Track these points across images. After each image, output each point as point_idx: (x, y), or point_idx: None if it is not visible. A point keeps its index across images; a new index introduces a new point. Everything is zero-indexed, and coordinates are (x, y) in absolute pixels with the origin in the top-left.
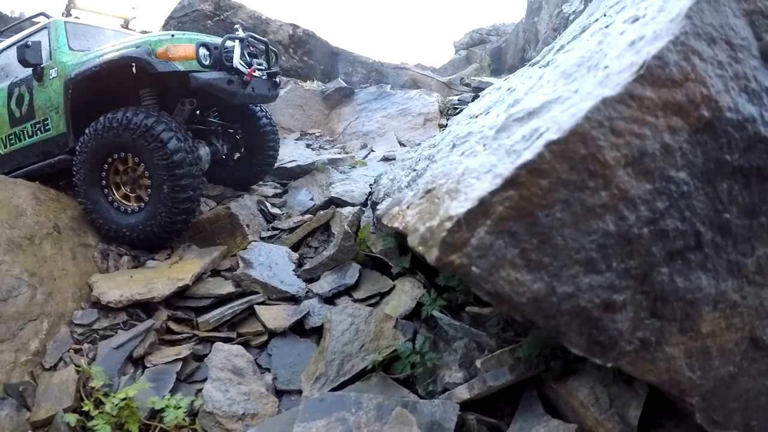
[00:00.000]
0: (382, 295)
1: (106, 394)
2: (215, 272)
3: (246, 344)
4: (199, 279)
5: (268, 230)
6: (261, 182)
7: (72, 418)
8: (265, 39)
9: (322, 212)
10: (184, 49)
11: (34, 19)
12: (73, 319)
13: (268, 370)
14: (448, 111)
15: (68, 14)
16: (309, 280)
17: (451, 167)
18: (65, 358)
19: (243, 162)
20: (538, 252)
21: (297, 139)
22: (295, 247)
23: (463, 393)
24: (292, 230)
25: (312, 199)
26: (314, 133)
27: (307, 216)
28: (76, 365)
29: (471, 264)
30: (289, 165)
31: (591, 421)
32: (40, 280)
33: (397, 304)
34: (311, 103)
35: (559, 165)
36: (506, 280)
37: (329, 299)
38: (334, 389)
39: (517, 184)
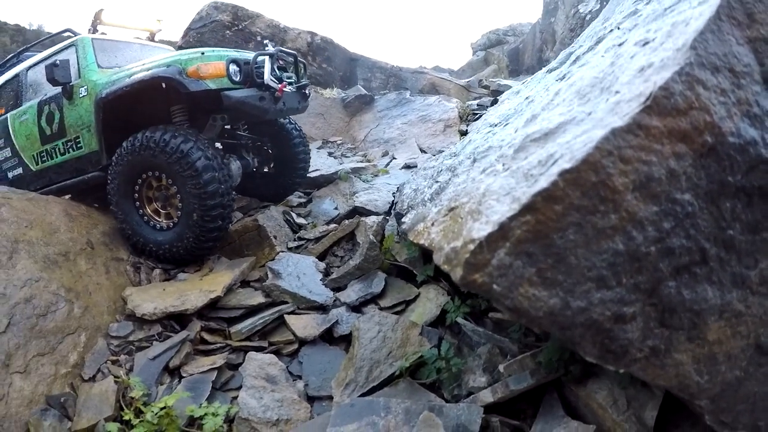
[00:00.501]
0: (408, 303)
1: (145, 404)
2: (245, 283)
3: (277, 353)
4: (229, 290)
5: (295, 240)
6: None
7: (114, 427)
8: (293, 51)
9: (347, 222)
10: (215, 66)
11: (61, 35)
12: (109, 332)
13: (300, 377)
14: (468, 116)
15: (95, 30)
16: (336, 289)
17: (473, 186)
18: (103, 369)
19: (274, 175)
20: (553, 270)
21: (319, 148)
22: (321, 257)
23: (486, 397)
24: (318, 240)
25: (336, 208)
26: (336, 141)
27: (332, 225)
28: (114, 376)
29: (492, 282)
30: (312, 174)
31: (609, 422)
32: (77, 295)
33: (422, 312)
34: (332, 111)
35: (571, 191)
36: (524, 297)
37: (356, 307)
38: (363, 395)
39: (534, 209)
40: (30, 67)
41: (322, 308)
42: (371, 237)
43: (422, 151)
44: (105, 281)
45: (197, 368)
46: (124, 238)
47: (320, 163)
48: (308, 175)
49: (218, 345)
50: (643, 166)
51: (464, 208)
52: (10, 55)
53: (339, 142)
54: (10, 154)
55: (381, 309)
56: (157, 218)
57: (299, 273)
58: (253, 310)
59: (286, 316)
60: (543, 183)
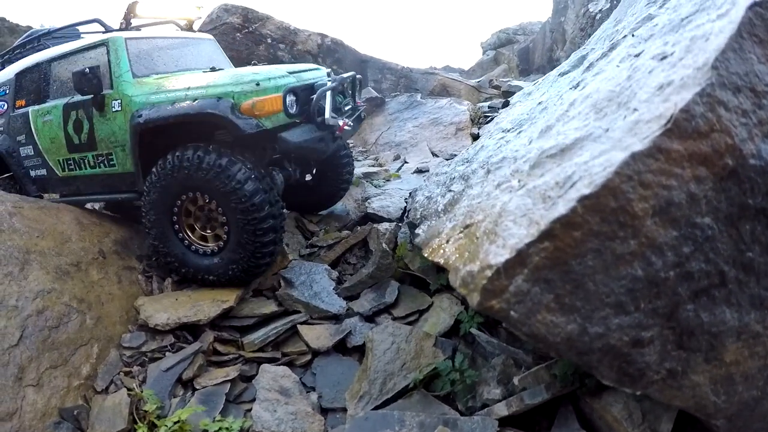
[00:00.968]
0: (421, 313)
1: (159, 417)
2: (257, 292)
3: (290, 363)
4: (242, 300)
5: (307, 248)
6: None
7: None
8: (352, 73)
9: (359, 228)
10: (271, 102)
11: (88, 26)
12: (121, 343)
13: (313, 388)
14: (479, 119)
15: (127, 25)
16: (348, 298)
17: (488, 202)
18: (116, 380)
19: (316, 184)
20: (571, 297)
21: None
22: (333, 264)
23: (501, 410)
24: (330, 247)
25: (348, 214)
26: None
27: (345, 232)
28: (128, 388)
29: (510, 309)
30: None
31: None
32: (89, 306)
33: (435, 322)
34: None
35: (591, 217)
36: (542, 323)
37: (369, 317)
38: (377, 407)
39: (552, 236)
40: (54, 59)
41: (335, 318)
42: (384, 245)
43: (434, 154)
44: (117, 291)
45: (210, 380)
46: (133, 248)
47: None
48: None
49: (231, 356)
50: (663, 191)
51: (480, 226)
52: (27, 37)
53: (350, 145)
54: (33, 153)
55: (394, 319)
56: (204, 244)
57: (312, 281)
58: (265, 320)
59: (299, 326)
60: (561, 209)
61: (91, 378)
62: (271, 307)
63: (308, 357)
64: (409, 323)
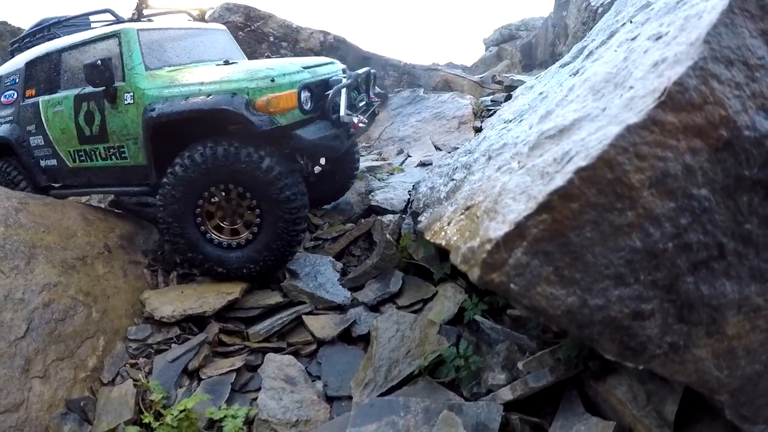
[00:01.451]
0: (425, 301)
1: (165, 407)
2: (261, 283)
3: (296, 353)
4: (247, 291)
5: (311, 240)
6: None
7: (134, 430)
8: (367, 69)
9: (363, 221)
10: (286, 98)
11: (99, 16)
12: (127, 335)
13: (319, 377)
14: (482, 113)
15: (139, 16)
16: (353, 288)
17: (489, 184)
18: (122, 372)
19: (326, 177)
20: (570, 269)
21: None
22: (338, 256)
23: (506, 394)
24: (335, 239)
25: (352, 207)
26: None
27: (349, 225)
28: (134, 379)
29: (510, 282)
30: None
31: (629, 418)
32: (95, 299)
33: (440, 310)
34: None
35: (588, 189)
36: (542, 296)
37: (374, 307)
38: (382, 394)
39: (550, 208)
40: (66, 49)
41: (340, 308)
42: (388, 236)
43: (437, 148)
44: (123, 285)
45: (216, 370)
46: (138, 243)
47: None
48: None
49: (236, 347)
50: (659, 162)
51: (480, 206)
52: (38, 26)
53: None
54: (43, 143)
55: (399, 308)
56: (227, 237)
57: (317, 273)
58: (270, 311)
59: (304, 316)
60: (559, 181)
61: (98, 370)
62: (275, 299)
63: (313, 347)
64: (414, 312)
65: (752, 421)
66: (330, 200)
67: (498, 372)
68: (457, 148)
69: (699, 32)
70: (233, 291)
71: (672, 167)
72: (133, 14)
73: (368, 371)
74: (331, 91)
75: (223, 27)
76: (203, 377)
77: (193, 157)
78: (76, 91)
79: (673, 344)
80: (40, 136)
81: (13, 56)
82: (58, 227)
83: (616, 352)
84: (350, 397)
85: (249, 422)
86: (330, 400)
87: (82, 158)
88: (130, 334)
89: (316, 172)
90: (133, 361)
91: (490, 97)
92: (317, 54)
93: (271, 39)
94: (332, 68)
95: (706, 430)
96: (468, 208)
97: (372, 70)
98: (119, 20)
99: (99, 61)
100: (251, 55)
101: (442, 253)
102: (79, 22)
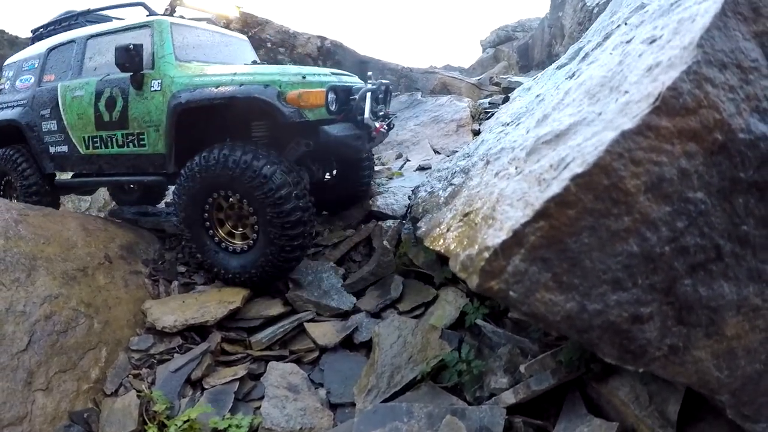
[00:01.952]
0: (426, 306)
1: (168, 417)
2: (262, 292)
3: (298, 361)
4: (248, 300)
5: (312, 247)
6: None
7: None
8: (387, 81)
9: (363, 226)
10: (316, 96)
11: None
12: (130, 346)
13: (322, 384)
14: (480, 115)
15: (172, 12)
16: (353, 295)
17: (486, 190)
18: (125, 383)
19: (336, 184)
20: (568, 275)
21: None
22: (338, 262)
23: (509, 398)
24: (335, 246)
25: (352, 213)
26: None
27: (349, 231)
28: (137, 390)
29: (508, 289)
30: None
31: (632, 419)
32: (96, 310)
33: (441, 315)
34: None
35: (584, 195)
36: (541, 302)
37: (375, 313)
38: (385, 400)
39: (547, 215)
40: (92, 37)
41: (342, 315)
42: (385, 243)
43: (436, 152)
44: (124, 295)
45: (219, 380)
46: (138, 253)
47: None
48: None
49: (239, 355)
50: (655, 167)
51: (479, 213)
52: (65, 14)
53: None
54: (56, 129)
55: (400, 313)
56: (234, 242)
57: (320, 281)
58: (272, 319)
59: (305, 324)
60: (555, 188)
61: (101, 381)
62: (277, 308)
63: (315, 354)
64: (415, 317)
65: (754, 420)
66: (340, 208)
67: (500, 375)
68: (456, 151)
69: (692, 36)
70: (234, 300)
71: (667, 171)
72: (166, 10)
73: (371, 377)
74: (357, 94)
75: (246, 38)
76: (206, 387)
77: (190, 167)
78: (99, 77)
79: (673, 346)
80: (54, 121)
81: (33, 43)
82: (59, 238)
83: (616, 355)
84: (353, 404)
85: (253, 431)
86: (333, 407)
87: (96, 144)
88: (133, 345)
89: (327, 178)
90: (136, 371)
91: (488, 100)
92: (314, 59)
93: (269, 45)
94: (354, 79)
95: (708, 430)
96: (466, 215)
97: (391, 88)
98: (152, 14)
99: (132, 45)
100: None
101: (443, 257)
102: (101, 17)
